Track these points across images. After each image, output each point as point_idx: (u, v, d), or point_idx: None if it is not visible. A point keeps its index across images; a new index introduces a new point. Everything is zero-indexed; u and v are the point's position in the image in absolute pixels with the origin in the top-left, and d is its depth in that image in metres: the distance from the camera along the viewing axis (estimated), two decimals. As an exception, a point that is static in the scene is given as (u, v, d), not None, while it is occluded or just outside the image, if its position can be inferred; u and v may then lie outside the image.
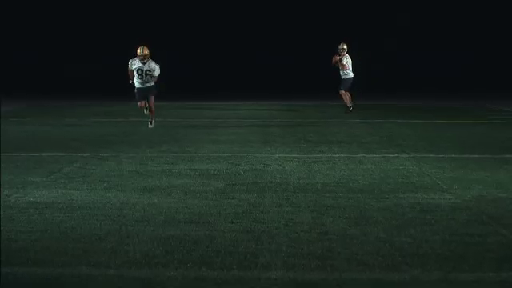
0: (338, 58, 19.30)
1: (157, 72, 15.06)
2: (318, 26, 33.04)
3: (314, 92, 24.18)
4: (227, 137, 13.63)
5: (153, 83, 15.18)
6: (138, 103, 15.33)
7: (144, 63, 15.00)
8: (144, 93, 15.18)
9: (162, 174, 9.46)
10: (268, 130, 14.82)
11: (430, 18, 33.28)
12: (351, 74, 19.45)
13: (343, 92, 19.52)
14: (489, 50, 32.56)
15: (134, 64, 15.08)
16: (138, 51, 15.02)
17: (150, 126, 15.16)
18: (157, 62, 15.16)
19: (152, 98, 15.20)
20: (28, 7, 32.80)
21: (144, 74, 15.07)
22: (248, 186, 8.73)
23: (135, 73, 15.09)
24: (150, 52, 15.04)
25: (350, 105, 19.38)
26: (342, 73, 19.46)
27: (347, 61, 19.31)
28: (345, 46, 19.38)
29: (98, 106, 20.69)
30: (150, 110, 15.27)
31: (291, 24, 33.42)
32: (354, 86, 19.67)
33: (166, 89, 16.69)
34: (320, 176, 9.37)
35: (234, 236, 6.41)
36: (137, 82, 15.21)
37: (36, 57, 32.47)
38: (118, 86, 14.68)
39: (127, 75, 15.37)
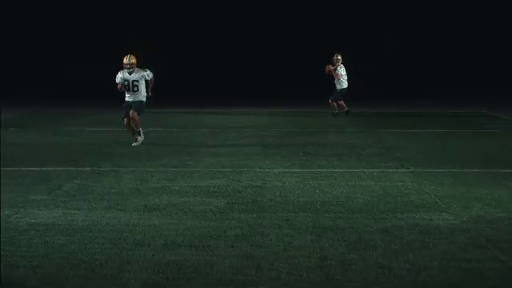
0: (331, 67, 19.52)
1: (150, 75, 13.89)
2: (318, 25, 33.08)
3: (314, 96, 24.18)
4: (227, 149, 13.60)
5: (142, 98, 13.91)
6: (125, 119, 13.93)
7: (130, 73, 13.80)
8: (130, 108, 13.86)
9: (161, 192, 9.49)
10: (267, 141, 14.80)
11: (430, 17, 33.34)
12: (345, 85, 19.66)
13: (331, 101, 19.76)
14: (489, 50, 32.64)
15: (118, 77, 13.88)
16: (125, 60, 13.83)
17: (134, 143, 13.82)
18: (144, 69, 13.99)
19: (135, 113, 13.77)
20: (28, 7, 32.85)
21: (131, 85, 13.83)
22: (248, 205, 8.76)
23: (123, 85, 13.88)
24: (137, 60, 13.86)
25: (343, 109, 19.67)
26: (336, 83, 19.67)
27: (341, 70, 19.49)
28: (339, 57, 19.66)
29: (97, 114, 20.70)
30: (135, 124, 13.88)
31: (291, 24, 33.48)
32: (348, 94, 19.84)
33: (165, 90, 16.51)
34: (319, 194, 9.40)
35: (234, 262, 6.45)
36: (126, 95, 13.99)
37: (36, 57, 32.54)
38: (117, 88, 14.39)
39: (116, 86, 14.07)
